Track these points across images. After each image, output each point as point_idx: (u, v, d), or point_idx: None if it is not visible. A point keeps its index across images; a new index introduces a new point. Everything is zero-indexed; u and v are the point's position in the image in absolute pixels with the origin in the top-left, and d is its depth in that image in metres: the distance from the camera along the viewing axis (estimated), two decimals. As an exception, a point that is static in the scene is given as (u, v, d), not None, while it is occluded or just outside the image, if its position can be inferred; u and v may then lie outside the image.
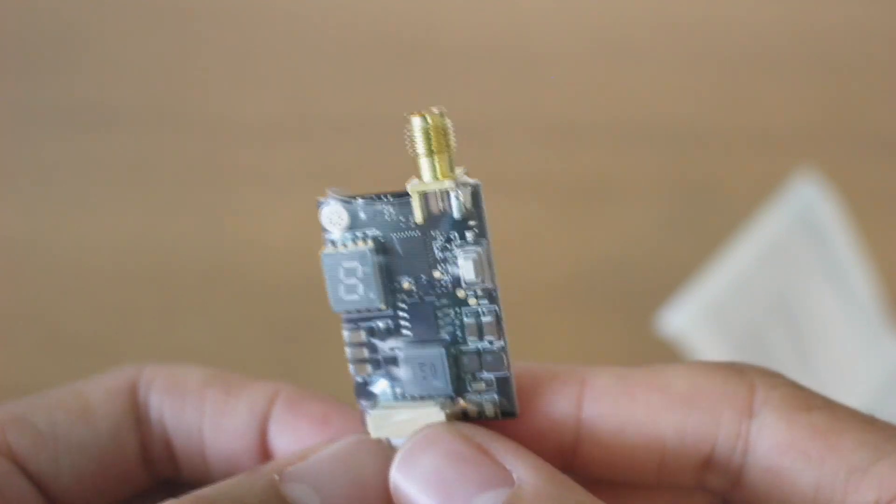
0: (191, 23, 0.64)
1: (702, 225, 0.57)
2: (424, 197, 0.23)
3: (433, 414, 0.24)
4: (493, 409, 0.24)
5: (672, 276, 0.53)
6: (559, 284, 0.54)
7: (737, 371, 0.24)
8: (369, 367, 0.25)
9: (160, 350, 0.51)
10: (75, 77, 0.61)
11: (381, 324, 0.24)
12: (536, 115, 0.60)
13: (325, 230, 0.24)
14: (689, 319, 0.50)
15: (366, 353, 0.25)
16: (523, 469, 0.22)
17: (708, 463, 0.24)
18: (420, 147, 0.23)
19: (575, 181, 0.58)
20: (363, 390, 0.25)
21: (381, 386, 0.25)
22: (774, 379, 0.24)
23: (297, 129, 0.59)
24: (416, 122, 0.23)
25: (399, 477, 0.23)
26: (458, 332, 0.24)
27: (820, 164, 0.56)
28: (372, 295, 0.24)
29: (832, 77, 0.63)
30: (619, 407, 0.24)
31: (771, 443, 0.23)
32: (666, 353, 0.48)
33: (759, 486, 0.23)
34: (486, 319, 0.24)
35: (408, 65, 0.62)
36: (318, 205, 0.24)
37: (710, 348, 0.48)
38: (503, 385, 0.24)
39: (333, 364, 0.48)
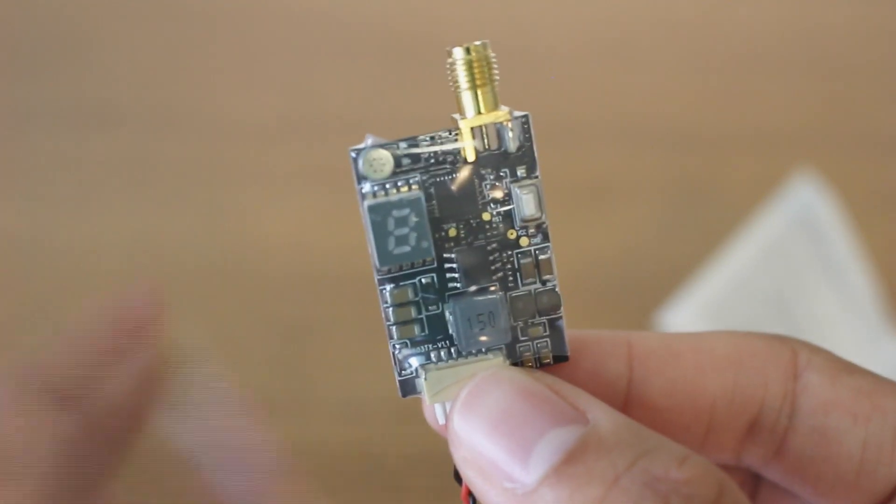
0: (191, 23, 0.64)
1: (702, 225, 0.57)
2: (475, 132, 0.22)
3: (496, 364, 0.22)
4: (547, 353, 0.23)
5: (672, 276, 0.53)
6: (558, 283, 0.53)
7: (777, 338, 0.24)
8: (416, 328, 0.22)
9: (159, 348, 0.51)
10: (76, 77, 0.61)
11: (424, 279, 0.22)
12: (536, 115, 0.60)
13: (361, 181, 0.22)
14: (688, 319, 0.50)
15: (412, 312, 0.22)
16: (598, 410, 0.21)
17: (753, 426, 0.24)
18: (463, 80, 0.22)
19: (575, 181, 0.58)
20: (407, 357, 0.22)
21: (427, 349, 0.22)
22: (814, 346, 0.24)
23: (297, 129, 0.59)
24: (458, 52, 0.22)
25: (460, 421, 0.21)
26: (511, 276, 0.22)
27: (819, 164, 0.56)
28: (425, 244, 0.22)
29: (832, 77, 0.63)
30: (667, 368, 0.23)
31: (816, 402, 0.23)
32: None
33: (805, 448, 0.23)
34: (542, 257, 0.23)
35: (408, 65, 0.62)
36: (354, 154, 0.22)
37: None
38: (555, 327, 0.23)
39: (333, 362, 0.48)
